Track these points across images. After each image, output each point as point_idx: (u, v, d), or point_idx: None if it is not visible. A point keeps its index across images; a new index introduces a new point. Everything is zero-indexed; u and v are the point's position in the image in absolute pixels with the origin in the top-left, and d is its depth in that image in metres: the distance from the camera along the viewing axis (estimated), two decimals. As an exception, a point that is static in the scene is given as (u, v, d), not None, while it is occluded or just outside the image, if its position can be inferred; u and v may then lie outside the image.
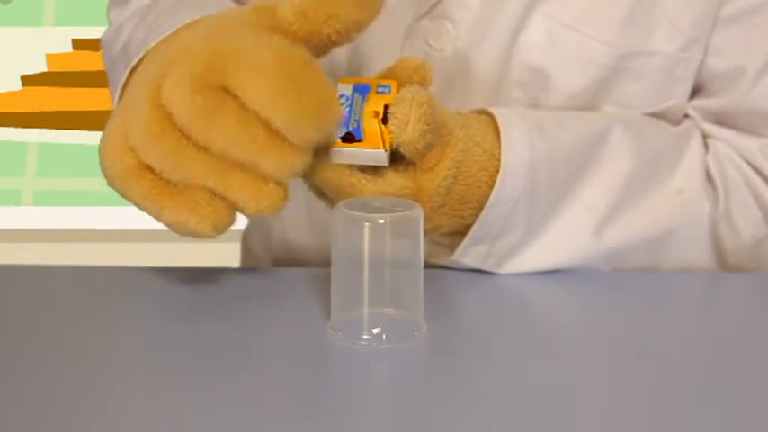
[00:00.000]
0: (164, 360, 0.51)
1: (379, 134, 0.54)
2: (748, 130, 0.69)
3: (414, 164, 0.56)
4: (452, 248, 0.62)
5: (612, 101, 0.68)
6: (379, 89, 0.56)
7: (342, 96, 0.55)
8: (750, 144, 0.68)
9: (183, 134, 0.51)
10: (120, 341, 0.53)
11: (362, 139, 0.54)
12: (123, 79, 0.63)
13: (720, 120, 0.70)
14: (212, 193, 0.52)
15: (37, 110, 2.34)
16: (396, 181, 0.55)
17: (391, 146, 0.54)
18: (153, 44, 0.60)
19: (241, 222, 0.88)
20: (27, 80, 2.35)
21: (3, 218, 2.33)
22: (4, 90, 2.34)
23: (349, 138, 0.54)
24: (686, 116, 0.71)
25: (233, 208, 0.52)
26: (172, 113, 0.50)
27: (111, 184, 0.53)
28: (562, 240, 0.62)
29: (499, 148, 0.59)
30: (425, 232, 0.58)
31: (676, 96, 0.69)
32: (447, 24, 0.69)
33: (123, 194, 0.53)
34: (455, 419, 0.45)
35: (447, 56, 0.69)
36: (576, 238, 0.62)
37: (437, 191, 0.56)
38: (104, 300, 0.58)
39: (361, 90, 0.56)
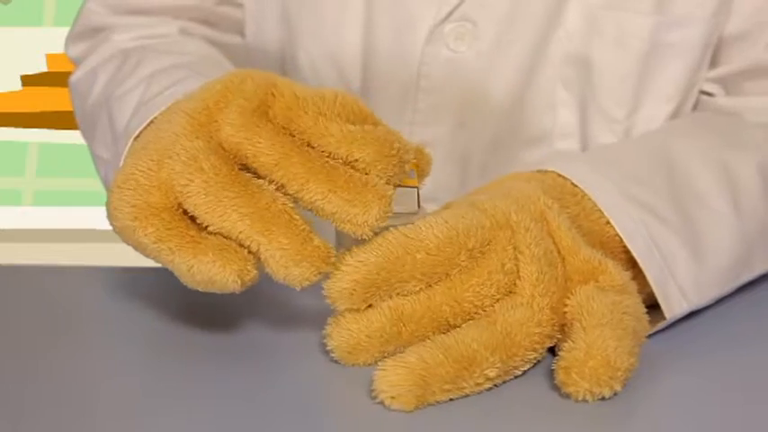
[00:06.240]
0: (163, 362, 0.50)
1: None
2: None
3: None
4: None
5: (656, 85, 0.68)
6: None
7: None
8: None
9: (235, 173, 0.45)
10: (120, 341, 0.53)
11: None
12: (125, 150, 0.57)
13: (737, 86, 0.69)
14: (242, 243, 0.45)
15: (37, 110, 2.34)
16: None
17: (418, 187, 0.50)
18: (156, 113, 0.55)
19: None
20: (27, 80, 2.34)
21: (3, 218, 2.32)
22: (4, 90, 2.33)
23: None
24: (704, 93, 0.70)
25: (259, 261, 0.46)
26: (239, 146, 0.46)
27: (119, 224, 0.47)
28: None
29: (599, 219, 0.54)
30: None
31: (704, 67, 0.69)
32: (468, 26, 0.67)
33: (132, 237, 0.47)
34: (462, 424, 0.45)
35: (469, 58, 0.68)
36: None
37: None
38: (105, 300, 0.58)
39: None
